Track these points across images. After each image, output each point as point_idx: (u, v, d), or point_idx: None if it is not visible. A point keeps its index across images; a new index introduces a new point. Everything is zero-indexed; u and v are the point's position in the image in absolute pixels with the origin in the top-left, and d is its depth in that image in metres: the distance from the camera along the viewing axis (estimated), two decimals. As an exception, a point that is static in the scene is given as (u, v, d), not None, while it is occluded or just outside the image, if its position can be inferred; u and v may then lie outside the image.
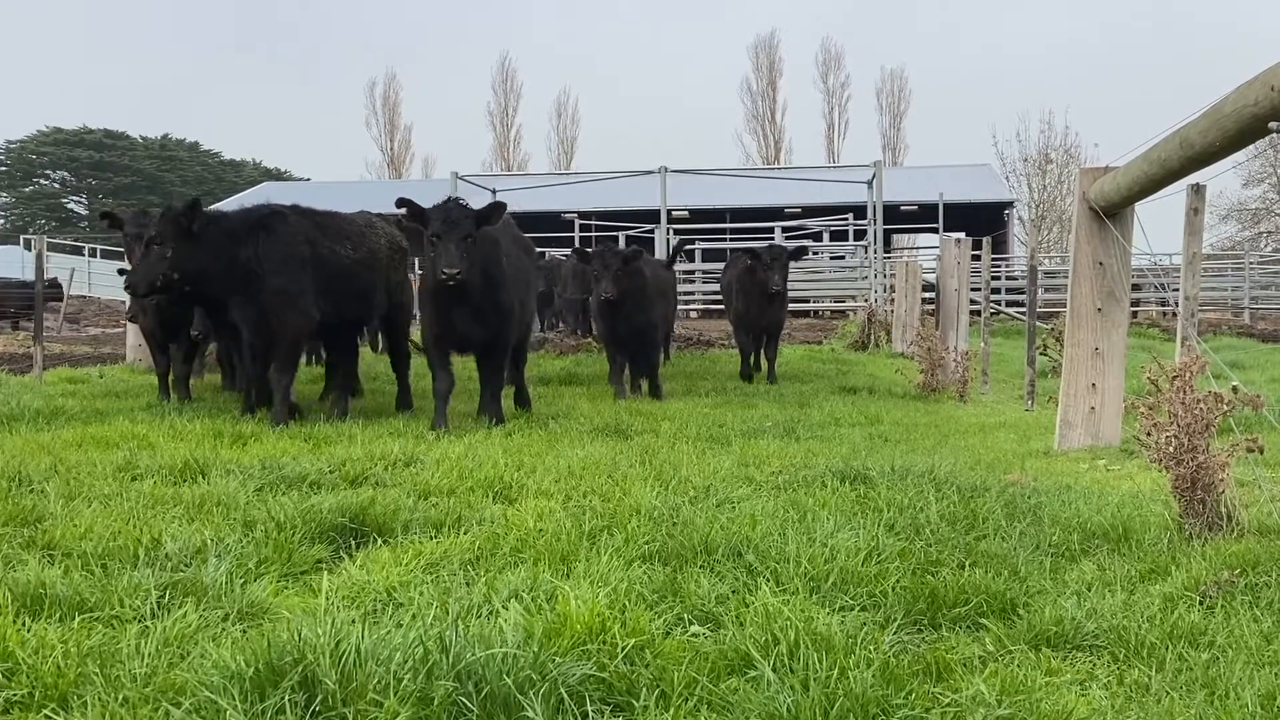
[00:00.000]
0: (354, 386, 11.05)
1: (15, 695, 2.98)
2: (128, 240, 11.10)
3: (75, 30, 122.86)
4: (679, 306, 20.48)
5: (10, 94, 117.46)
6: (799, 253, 15.07)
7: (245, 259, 9.08)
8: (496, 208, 9.12)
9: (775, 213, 41.01)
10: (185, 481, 6.04)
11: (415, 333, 10.83)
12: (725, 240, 32.41)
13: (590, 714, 2.92)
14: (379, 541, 4.85)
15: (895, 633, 3.59)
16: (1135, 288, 14.60)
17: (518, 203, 34.19)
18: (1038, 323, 12.74)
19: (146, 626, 3.47)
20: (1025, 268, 15.87)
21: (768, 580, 4.04)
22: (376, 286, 10.26)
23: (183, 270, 8.98)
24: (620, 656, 3.20)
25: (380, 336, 15.00)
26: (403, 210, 8.97)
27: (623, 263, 11.88)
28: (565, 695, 2.95)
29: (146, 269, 9.06)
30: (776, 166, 70.64)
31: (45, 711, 2.90)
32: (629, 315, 12.06)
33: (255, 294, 9.15)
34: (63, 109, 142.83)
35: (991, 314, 15.57)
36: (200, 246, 8.98)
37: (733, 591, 3.97)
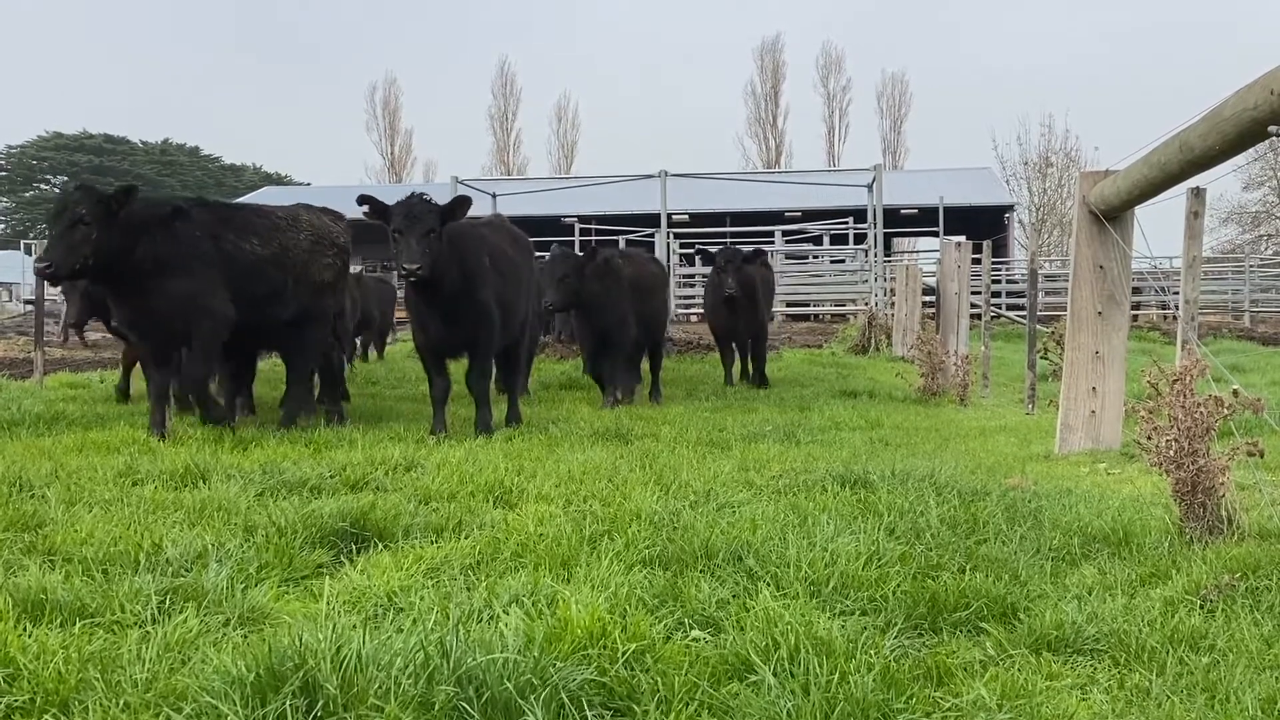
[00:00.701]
0: (250, 402, 10.68)
1: (17, 701, 2.98)
2: None
3: (76, 35, 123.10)
4: (679, 310, 20.46)
5: (11, 99, 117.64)
6: (754, 256, 14.81)
7: (141, 256, 8.29)
8: (460, 202, 8.90)
9: (776, 216, 41.07)
10: (186, 486, 6.04)
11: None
12: (726, 243, 32.42)
13: (591, 718, 2.92)
14: (380, 546, 4.85)
15: (896, 637, 3.59)
16: (1136, 291, 14.62)
17: (518, 207, 34.20)
18: (1038, 326, 12.74)
19: (147, 632, 3.47)
20: (1026, 271, 15.87)
21: (768, 585, 4.04)
22: (286, 287, 9.37)
23: (99, 257, 8.13)
24: (621, 661, 3.20)
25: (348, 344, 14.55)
26: (364, 208, 8.81)
27: (596, 263, 11.77)
28: (566, 700, 2.95)
29: (69, 250, 8.06)
30: (777, 170, 70.64)
31: (46, 717, 2.90)
32: (596, 316, 11.88)
33: (154, 295, 8.42)
34: (63, 114, 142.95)
35: (992, 317, 15.58)
36: (120, 234, 8.19)
37: (733, 596, 3.97)
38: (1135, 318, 27.11)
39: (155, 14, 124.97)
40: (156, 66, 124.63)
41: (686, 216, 41.97)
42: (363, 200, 8.81)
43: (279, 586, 4.19)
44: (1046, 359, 13.39)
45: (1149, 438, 5.18)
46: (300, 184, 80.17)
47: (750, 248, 15.19)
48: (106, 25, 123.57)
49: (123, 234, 8.18)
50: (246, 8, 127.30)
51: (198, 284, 8.56)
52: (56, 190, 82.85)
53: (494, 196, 28.58)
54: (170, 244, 8.47)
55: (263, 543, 4.66)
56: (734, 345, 15.00)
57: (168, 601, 3.82)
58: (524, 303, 10.14)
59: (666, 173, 26.01)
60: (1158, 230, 8.44)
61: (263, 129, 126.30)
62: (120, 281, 8.44)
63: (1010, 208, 52.51)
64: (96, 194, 8.20)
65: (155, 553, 4.45)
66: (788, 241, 35.51)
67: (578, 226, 36.12)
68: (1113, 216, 8.14)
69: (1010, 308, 32.08)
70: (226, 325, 8.76)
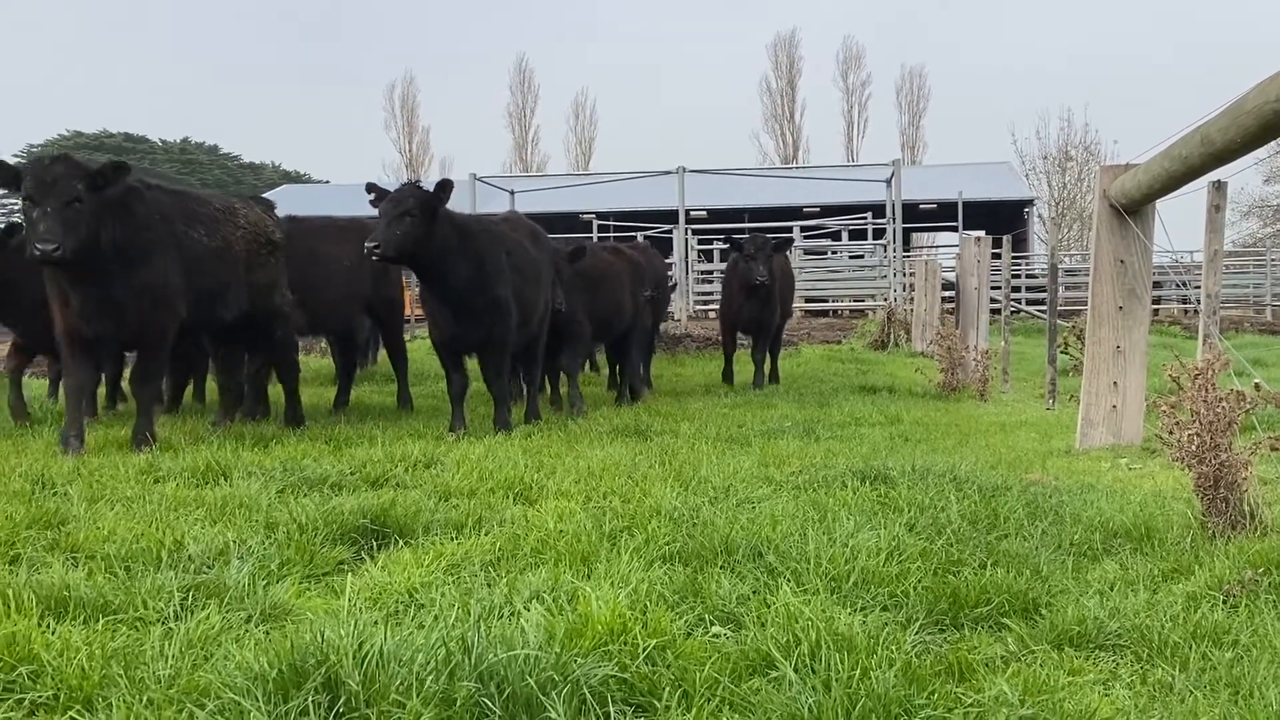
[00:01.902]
0: (173, 404, 10.57)
1: (40, 697, 3.00)
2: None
3: (96, 34, 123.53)
4: (698, 307, 20.41)
5: (31, 98, 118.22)
6: (784, 244, 14.51)
7: (105, 242, 7.47)
8: (444, 186, 8.74)
9: (794, 212, 40.96)
10: (207, 484, 6.07)
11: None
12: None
13: (612, 714, 2.92)
14: (400, 543, 4.86)
15: (917, 633, 3.59)
16: (1157, 285, 14.56)
17: (536, 204, 34.26)
18: (1058, 321, 12.69)
19: (170, 628, 3.49)
20: (1046, 266, 15.81)
21: (788, 580, 4.03)
22: (231, 285, 8.70)
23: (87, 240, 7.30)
24: (642, 657, 3.21)
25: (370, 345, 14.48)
26: (371, 196, 8.78)
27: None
28: (587, 695, 2.95)
29: (71, 228, 7.17)
30: (795, 166, 70.53)
31: (70, 713, 2.92)
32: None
33: (111, 285, 7.63)
34: (83, 112, 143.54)
35: (1012, 312, 15.53)
36: (99, 215, 7.41)
37: (753, 592, 3.97)
38: (1156, 312, 26.98)
39: (175, 12, 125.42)
40: (176, 65, 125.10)
41: (704, 213, 41.98)
42: (371, 189, 8.83)
43: (300, 583, 4.21)
44: (1067, 354, 13.31)
45: (1170, 432, 5.16)
46: (318, 181, 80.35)
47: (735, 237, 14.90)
48: (126, 24, 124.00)
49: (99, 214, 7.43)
50: (265, 6, 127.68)
51: (155, 276, 7.88)
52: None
53: (512, 194, 28.62)
54: (131, 229, 7.70)
55: (284, 540, 4.68)
56: (743, 337, 14.78)
57: (190, 598, 3.84)
58: (544, 299, 10.01)
59: (685, 169, 26.02)
60: (1179, 224, 8.42)
61: (282, 127, 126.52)
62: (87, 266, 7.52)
63: (1030, 202, 52.29)
64: (84, 169, 7.42)
65: (177, 550, 4.47)
66: (806, 237, 35.43)
67: (595, 223, 36.12)
68: (1133, 210, 8.10)
69: (1030, 302, 31.96)
70: (176, 323, 8.17)
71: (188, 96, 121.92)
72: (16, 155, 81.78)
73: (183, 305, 8.12)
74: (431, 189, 8.68)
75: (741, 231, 32.85)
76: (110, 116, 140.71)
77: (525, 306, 9.55)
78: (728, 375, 14.48)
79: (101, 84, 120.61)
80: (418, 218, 8.51)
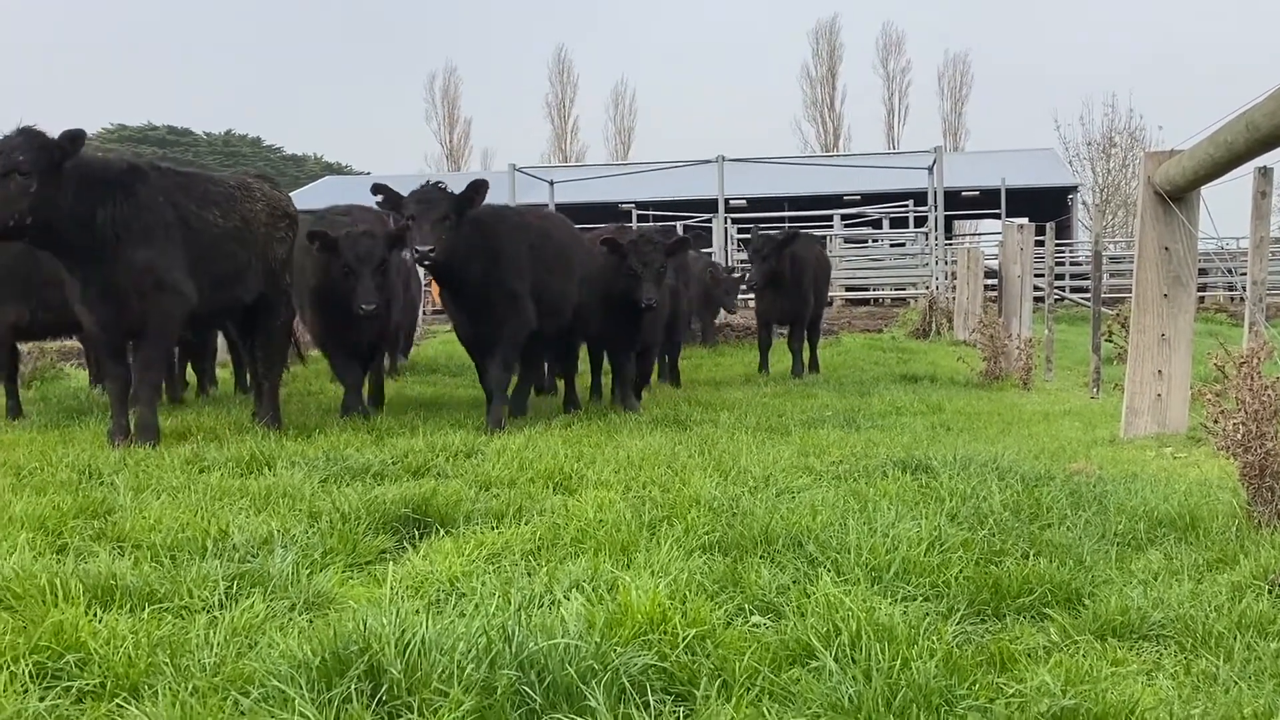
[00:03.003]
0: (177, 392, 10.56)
1: (88, 685, 3.04)
2: None
3: (140, 29, 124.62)
4: (740, 296, 20.34)
5: (77, 92, 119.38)
6: (791, 238, 14.35)
7: (101, 221, 7.32)
8: (477, 187, 8.41)
9: (834, 200, 40.79)
10: (252, 473, 6.12)
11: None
12: (785, 228, 32.22)
13: (652, 703, 2.93)
14: (441, 532, 4.89)
15: (958, 623, 3.57)
16: (1202, 272, 14.44)
17: (575, 194, 34.29)
18: (1103, 309, 12.59)
19: (215, 617, 3.53)
20: (1089, 253, 15.68)
21: (829, 570, 4.02)
22: (250, 266, 8.52)
23: (38, 216, 7.00)
24: (681, 646, 3.21)
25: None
26: (379, 197, 8.48)
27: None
28: (627, 685, 2.96)
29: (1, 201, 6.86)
30: (835, 154, 70.18)
31: (117, 700, 2.96)
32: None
33: (109, 268, 7.46)
34: (128, 106, 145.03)
35: (1055, 300, 15.41)
36: (64, 190, 7.13)
37: (793, 582, 3.96)
38: (1201, 299, 26.70)
39: (219, 7, 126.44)
40: (220, 59, 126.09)
41: (744, 201, 41.87)
42: (376, 189, 8.52)
43: (343, 572, 4.24)
44: (1111, 342, 13.25)
45: (1216, 421, 5.10)
46: (360, 173, 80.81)
47: (811, 230, 14.96)
48: (169, 18, 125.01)
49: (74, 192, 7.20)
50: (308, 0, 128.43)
51: (159, 259, 7.66)
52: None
53: (551, 184, 28.69)
54: (132, 210, 7.52)
55: (327, 529, 4.72)
56: (780, 327, 14.90)
57: (234, 587, 3.88)
58: (573, 291, 9.74)
59: (724, 157, 25.99)
60: (1224, 211, 8.29)
61: (323, 120, 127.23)
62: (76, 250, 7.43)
63: (1074, 189, 51.79)
64: (41, 139, 7.05)
65: (222, 539, 4.52)
66: (847, 225, 35.27)
67: (635, 213, 36.11)
68: (1178, 197, 8.01)
69: (1074, 290, 31.67)
70: (186, 308, 7.94)
71: (232, 90, 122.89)
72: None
73: (191, 290, 7.87)
74: (465, 189, 8.38)
75: (781, 221, 32.87)
76: (155, 109, 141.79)
77: (555, 299, 9.39)
78: (762, 365, 14.57)
79: (146, 78, 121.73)
80: (453, 220, 8.26)
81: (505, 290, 8.83)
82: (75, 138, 7.09)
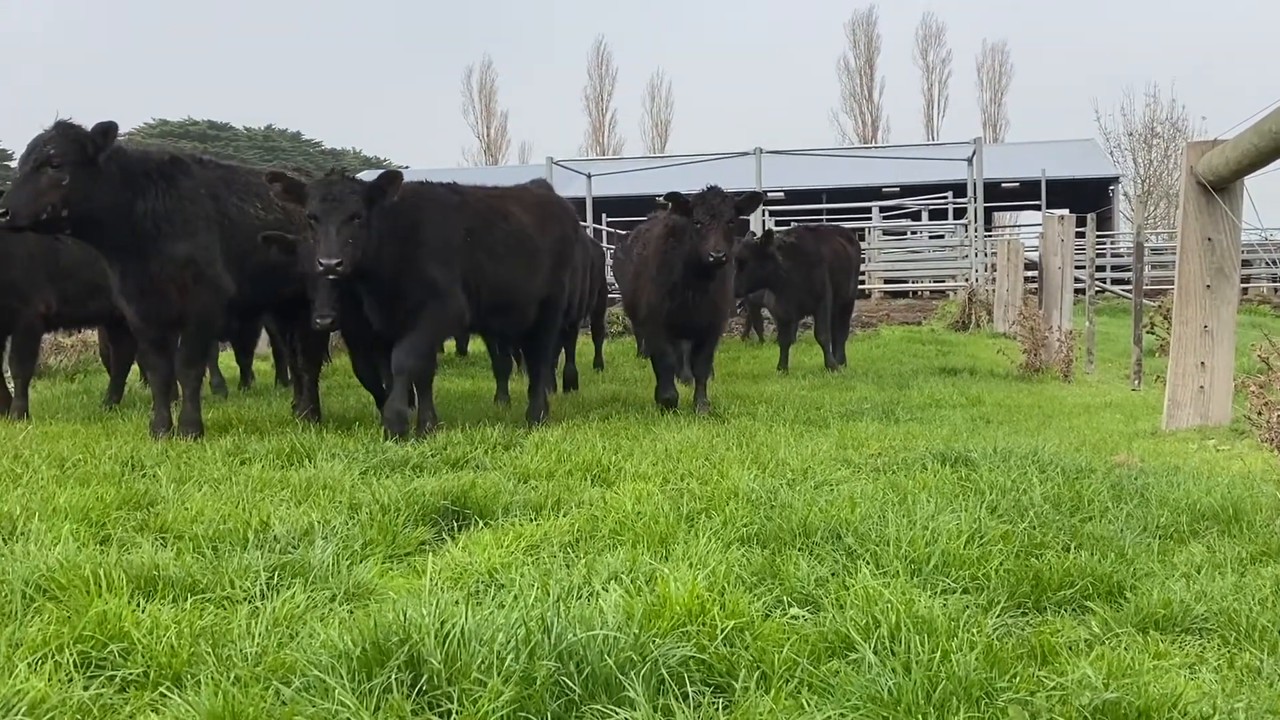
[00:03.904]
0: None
1: (131, 674, 3.07)
2: None
3: (181, 24, 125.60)
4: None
5: (119, 87, 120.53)
6: (765, 239, 13.89)
7: (141, 213, 7.36)
8: (390, 179, 7.48)
9: (873, 192, 40.57)
10: (292, 465, 6.17)
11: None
12: (823, 220, 32.10)
13: (690, 695, 2.93)
14: (480, 524, 4.91)
15: (999, 616, 3.55)
16: (1245, 264, 14.28)
17: (612, 187, 34.19)
18: (1144, 300, 12.48)
19: (256, 607, 3.56)
20: (1131, 244, 15.53)
21: (867, 563, 4.01)
22: (291, 259, 8.13)
23: (74, 209, 7.07)
24: (720, 638, 3.21)
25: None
26: (276, 186, 7.49)
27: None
28: (666, 676, 2.96)
29: (33, 195, 6.97)
30: (874, 145, 69.85)
31: (160, 689, 2.98)
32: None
33: (149, 261, 7.43)
34: (168, 100, 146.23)
35: (1096, 292, 15.29)
36: (100, 183, 7.17)
37: (832, 574, 3.95)
38: (1245, 291, 26.41)
39: (257, 1, 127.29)
40: (259, 54, 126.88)
41: (782, 194, 41.72)
42: (274, 178, 7.58)
43: (383, 563, 4.27)
44: (1153, 334, 13.13)
45: (1259, 413, 5.06)
46: (400, 167, 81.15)
47: (850, 224, 14.89)
48: (211, 14, 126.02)
49: (114, 184, 7.25)
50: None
51: (200, 251, 7.61)
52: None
53: (589, 177, 28.65)
54: (174, 201, 7.52)
55: (367, 520, 4.75)
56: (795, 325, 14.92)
57: (276, 577, 3.91)
58: (539, 280, 8.75)
59: (761, 150, 25.88)
60: (1269, 201, 8.20)
61: (362, 114, 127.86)
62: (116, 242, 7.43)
63: (1115, 180, 51.28)
64: (75, 133, 7.14)
65: (263, 530, 4.55)
66: (885, 217, 35.09)
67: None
68: (1221, 187, 7.93)
69: (1115, 282, 31.42)
70: (224, 301, 7.87)
71: (272, 84, 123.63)
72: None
73: (231, 283, 7.82)
74: (376, 179, 7.47)
75: (819, 213, 32.73)
76: (195, 104, 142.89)
77: (501, 291, 8.36)
78: (781, 363, 14.26)
79: (187, 73, 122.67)
80: (364, 217, 7.29)
81: (423, 279, 7.77)
82: (107, 130, 7.16)
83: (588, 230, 20.42)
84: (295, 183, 7.40)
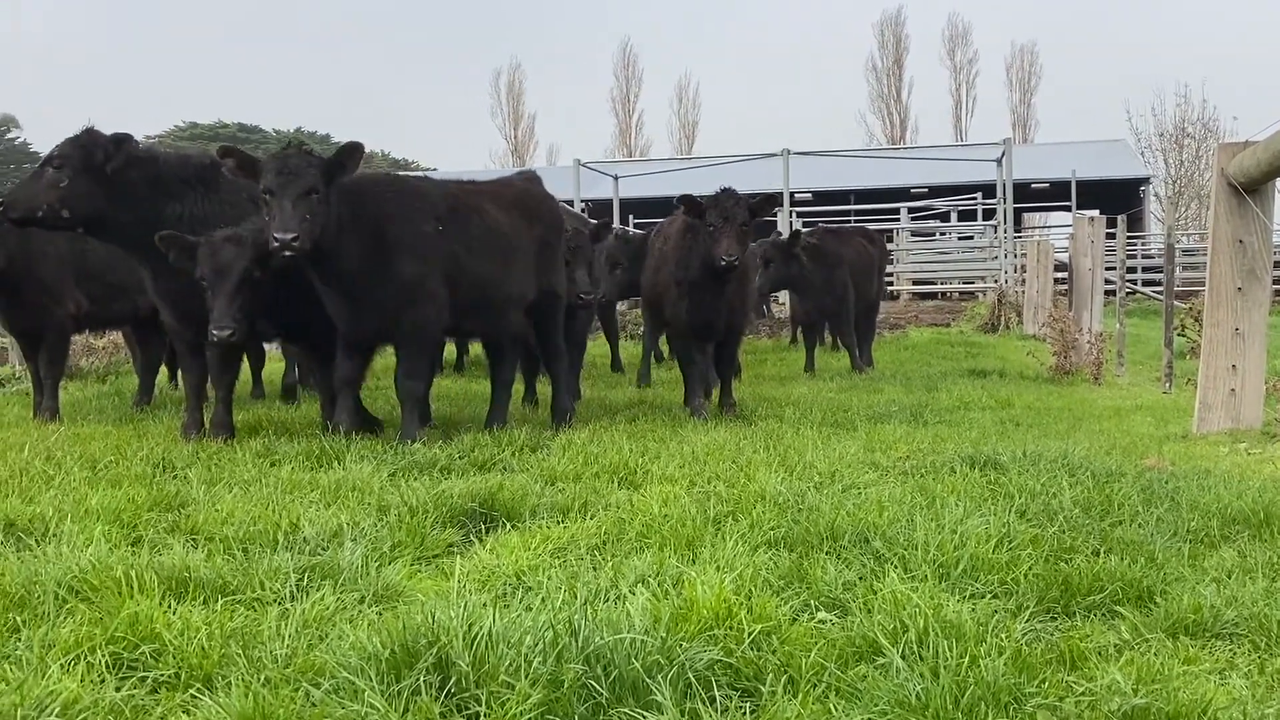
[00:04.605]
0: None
1: (162, 675, 3.10)
2: None
3: (211, 27, 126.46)
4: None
5: (150, 90, 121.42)
6: (793, 240, 13.71)
7: (174, 216, 7.42)
8: (349, 151, 7.03)
9: (901, 193, 40.47)
10: (321, 467, 6.19)
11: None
12: (850, 222, 31.97)
13: (718, 699, 2.93)
14: (507, 526, 4.92)
15: (1027, 620, 3.54)
16: (1277, 265, 14.17)
17: (639, 188, 34.17)
18: (1175, 302, 12.40)
19: (286, 609, 3.58)
20: (1162, 246, 15.44)
21: (895, 567, 4.00)
22: None
23: (74, 210, 7.21)
24: (747, 642, 3.21)
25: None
26: (229, 161, 6.99)
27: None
28: (693, 679, 2.96)
29: (31, 191, 7.25)
30: (902, 146, 69.59)
31: (191, 691, 3.01)
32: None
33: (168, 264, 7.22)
34: (199, 103, 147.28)
35: (1127, 294, 15.19)
36: (107, 191, 7.26)
37: (859, 578, 3.95)
38: (1277, 293, 26.17)
39: (287, 5, 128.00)
40: (288, 56, 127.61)
41: (810, 195, 41.64)
42: (225, 153, 7.06)
43: (411, 565, 4.28)
44: (1184, 336, 13.02)
45: (1293, 417, 5.01)
46: (427, 169, 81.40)
47: (878, 225, 14.83)
48: (239, 16, 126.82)
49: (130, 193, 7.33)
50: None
51: None
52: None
53: (615, 179, 28.69)
54: (214, 205, 7.57)
55: (395, 522, 4.77)
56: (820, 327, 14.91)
57: (305, 579, 3.93)
58: (525, 278, 8.36)
59: (789, 151, 25.85)
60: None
61: (390, 116, 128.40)
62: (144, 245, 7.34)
63: (1146, 181, 50.97)
64: (81, 139, 7.31)
65: (293, 532, 4.58)
66: (914, 219, 34.96)
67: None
68: (1252, 189, 7.88)
69: (1146, 284, 31.19)
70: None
71: (301, 87, 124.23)
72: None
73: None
74: (335, 152, 7.02)
75: (847, 214, 32.63)
76: (226, 107, 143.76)
77: (475, 287, 7.89)
78: (807, 365, 14.14)
79: (217, 75, 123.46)
80: (323, 195, 6.89)
81: (401, 279, 7.36)
82: (120, 141, 7.33)
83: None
84: (249, 158, 7.02)
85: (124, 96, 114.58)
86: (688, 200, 8.78)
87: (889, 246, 32.55)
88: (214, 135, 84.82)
